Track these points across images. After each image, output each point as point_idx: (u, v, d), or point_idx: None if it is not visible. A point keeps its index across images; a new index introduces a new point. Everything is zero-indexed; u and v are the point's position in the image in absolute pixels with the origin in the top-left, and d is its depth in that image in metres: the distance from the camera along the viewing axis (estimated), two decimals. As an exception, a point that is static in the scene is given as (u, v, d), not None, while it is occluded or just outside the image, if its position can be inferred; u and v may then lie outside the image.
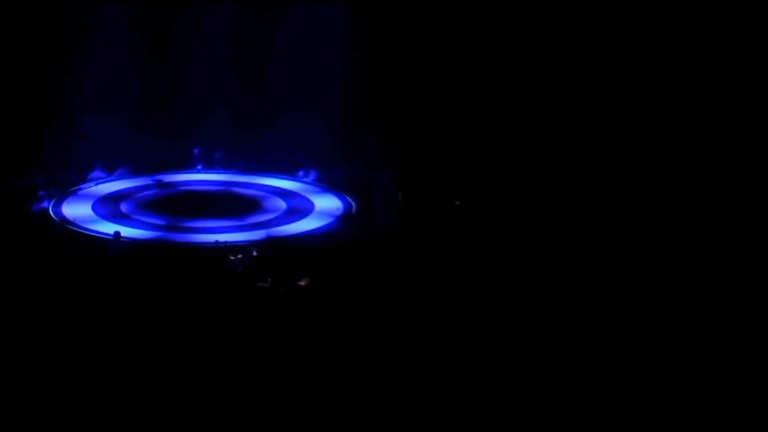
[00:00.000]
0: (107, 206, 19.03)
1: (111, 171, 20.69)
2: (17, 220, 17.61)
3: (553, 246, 17.51)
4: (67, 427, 11.37)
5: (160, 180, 20.97)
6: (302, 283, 14.64)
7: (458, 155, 21.73)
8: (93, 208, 18.85)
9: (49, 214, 18.40)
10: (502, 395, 12.16)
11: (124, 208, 19.07)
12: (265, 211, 19.29)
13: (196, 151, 21.63)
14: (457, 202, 19.18)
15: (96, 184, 19.98)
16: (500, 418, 11.77)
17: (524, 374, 12.74)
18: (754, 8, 20.54)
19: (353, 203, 19.73)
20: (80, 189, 19.89)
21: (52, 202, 18.86)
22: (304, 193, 20.45)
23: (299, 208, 19.43)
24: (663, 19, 21.05)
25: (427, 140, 21.30)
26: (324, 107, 21.98)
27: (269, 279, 14.84)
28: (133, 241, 17.01)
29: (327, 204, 19.67)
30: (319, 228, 18.30)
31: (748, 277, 15.85)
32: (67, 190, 19.74)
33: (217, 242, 16.28)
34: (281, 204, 19.62)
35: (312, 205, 19.60)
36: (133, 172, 20.73)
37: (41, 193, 18.76)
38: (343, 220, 19.04)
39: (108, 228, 17.29)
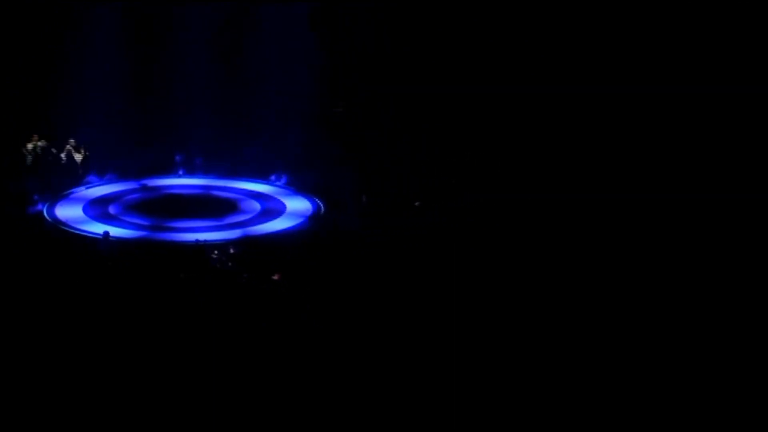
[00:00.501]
0: (97, 208, 19.35)
1: (102, 176, 20.71)
2: (15, 222, 17.83)
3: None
4: (66, 423, 11.22)
5: (145, 184, 20.73)
6: (275, 277, 14.67)
7: (438, 157, 21.11)
8: (84, 210, 19.19)
9: (44, 216, 18.73)
10: (500, 395, 11.95)
11: (112, 210, 19.39)
12: (241, 212, 19.67)
13: (177, 158, 21.64)
14: (417, 203, 19.13)
15: (87, 188, 20.16)
16: (499, 417, 11.57)
17: (522, 374, 12.47)
18: (751, 8, 19.88)
19: (321, 205, 20.08)
20: (72, 193, 19.87)
21: (46, 205, 19.13)
22: (276, 196, 20.80)
23: (272, 209, 19.79)
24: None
25: (388, 147, 21.26)
26: (294, 118, 22.18)
27: (245, 274, 14.82)
28: (120, 240, 17.30)
29: (297, 205, 20.02)
30: (290, 227, 18.70)
31: (746, 276, 15.38)
32: (59, 194, 19.67)
33: (197, 241, 16.56)
34: (256, 206, 20.02)
35: (284, 206, 19.99)
36: (121, 178, 20.77)
37: (36, 197, 18.76)
38: (312, 220, 19.28)
39: (98, 228, 17.69)
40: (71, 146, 20.59)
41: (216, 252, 15.74)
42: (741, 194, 18.03)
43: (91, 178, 20.67)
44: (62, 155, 20.46)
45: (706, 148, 19.33)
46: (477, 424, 11.44)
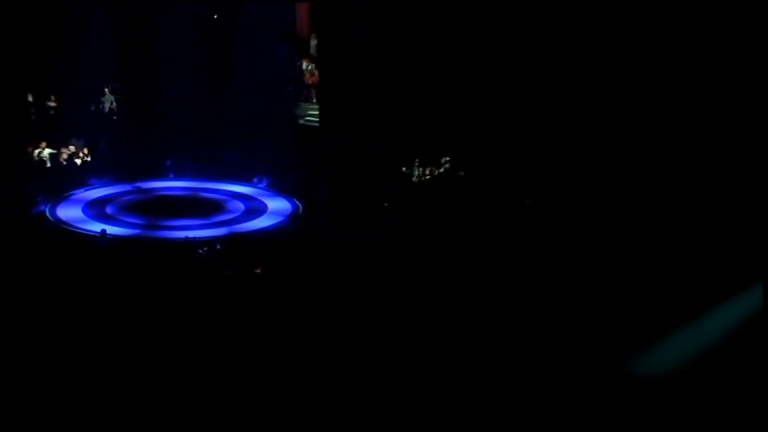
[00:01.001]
0: (95, 209, 19.84)
1: (100, 179, 21.13)
2: (20, 221, 18.28)
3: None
4: (64, 420, 11.07)
5: (139, 187, 21.14)
6: (257, 270, 14.89)
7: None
8: (83, 211, 19.67)
9: (47, 216, 19.23)
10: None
11: (109, 210, 19.85)
12: (227, 211, 20.14)
13: (168, 162, 22.04)
14: (386, 204, 19.45)
15: (86, 190, 20.62)
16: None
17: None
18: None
19: (300, 205, 20.53)
20: (72, 194, 20.32)
21: (48, 206, 19.58)
22: (258, 197, 21.27)
23: (255, 209, 20.31)
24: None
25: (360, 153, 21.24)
26: (275, 126, 22.75)
27: (232, 268, 15.01)
28: (117, 238, 17.80)
29: (278, 205, 20.51)
30: (272, 225, 19.23)
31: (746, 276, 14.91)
32: (60, 195, 20.10)
33: (186, 238, 17.09)
34: (240, 206, 20.52)
35: (266, 206, 20.50)
36: (116, 181, 21.19)
37: (39, 198, 19.23)
38: (292, 218, 19.70)
39: (96, 227, 18.20)
40: (72, 150, 21.09)
41: (204, 248, 16.12)
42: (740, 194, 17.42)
43: (93, 180, 21.00)
44: (63, 159, 20.92)
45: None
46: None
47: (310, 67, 23.45)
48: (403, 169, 20.33)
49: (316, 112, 23.38)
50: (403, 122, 21.45)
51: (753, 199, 16.95)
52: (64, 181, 20.77)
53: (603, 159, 19.61)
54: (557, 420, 11.35)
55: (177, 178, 22.41)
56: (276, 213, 19.90)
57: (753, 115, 18.13)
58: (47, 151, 20.85)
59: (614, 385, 12.05)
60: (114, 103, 22.80)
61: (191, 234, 17.56)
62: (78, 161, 21.29)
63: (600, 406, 11.54)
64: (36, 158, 20.74)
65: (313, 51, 23.48)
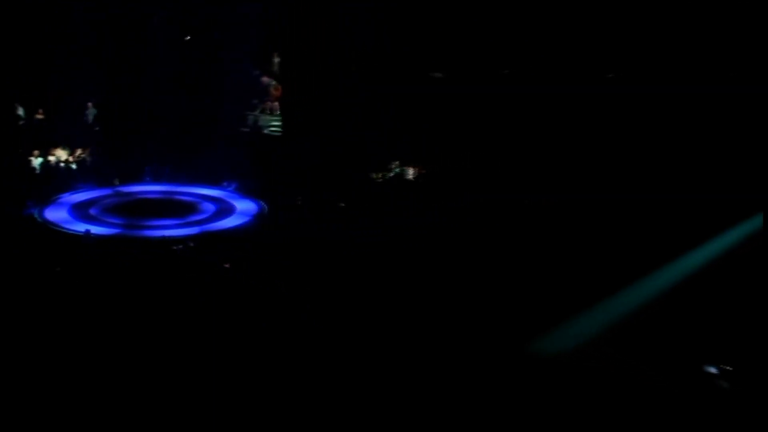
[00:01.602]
0: (79, 210, 20.32)
1: (85, 184, 21.57)
2: (11, 222, 18.73)
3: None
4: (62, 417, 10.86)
5: (119, 190, 21.55)
6: (226, 265, 15.61)
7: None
8: (69, 212, 20.14)
9: (36, 217, 19.65)
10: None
11: (92, 211, 20.34)
12: (200, 212, 20.66)
13: (146, 168, 22.53)
14: (341, 204, 19.68)
15: (71, 194, 21.03)
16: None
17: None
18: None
19: (265, 206, 21.00)
20: (59, 198, 20.78)
21: (37, 209, 19.98)
22: (227, 199, 21.73)
23: (225, 210, 20.81)
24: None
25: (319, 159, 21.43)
26: (241, 135, 23.68)
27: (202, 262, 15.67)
28: (100, 236, 18.32)
29: (245, 206, 21.00)
30: (240, 224, 19.77)
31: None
32: (48, 199, 20.55)
33: (163, 236, 17.88)
34: (211, 207, 21.00)
35: (234, 207, 21.01)
36: (99, 185, 21.61)
37: (29, 202, 19.71)
38: (258, 218, 20.06)
39: (81, 227, 18.78)
40: (59, 158, 21.77)
41: (179, 245, 17.10)
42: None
43: (78, 185, 21.43)
44: (52, 165, 21.66)
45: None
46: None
47: (273, 83, 24.51)
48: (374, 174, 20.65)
49: (278, 123, 24.21)
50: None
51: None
52: (51, 185, 21.15)
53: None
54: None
55: (154, 182, 22.55)
56: (244, 213, 20.25)
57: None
58: (37, 159, 21.55)
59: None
60: (94, 116, 23.30)
61: (167, 233, 18.15)
62: (65, 167, 21.87)
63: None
64: (27, 165, 21.27)
65: (276, 68, 24.41)
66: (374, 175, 21.02)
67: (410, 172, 21.17)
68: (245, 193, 22.07)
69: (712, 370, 12.39)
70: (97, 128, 23.41)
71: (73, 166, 22.21)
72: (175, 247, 16.94)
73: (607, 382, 12.05)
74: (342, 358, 12.42)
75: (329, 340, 12.95)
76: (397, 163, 21.29)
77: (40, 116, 23.07)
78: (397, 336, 13.15)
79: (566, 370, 12.27)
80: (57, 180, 21.88)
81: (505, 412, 11.31)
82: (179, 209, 20.79)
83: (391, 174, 21.25)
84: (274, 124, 24.15)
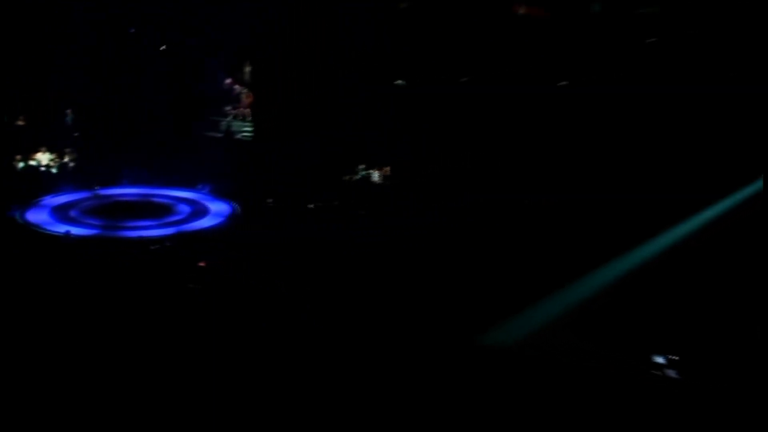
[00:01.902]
0: (60, 212, 20.66)
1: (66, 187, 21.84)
2: None
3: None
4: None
5: (98, 193, 21.72)
6: (201, 263, 16.01)
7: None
8: (49, 214, 20.47)
9: (18, 219, 19.89)
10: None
11: (72, 213, 20.67)
12: (176, 213, 21.04)
13: (124, 171, 22.73)
14: (310, 206, 20.07)
15: (54, 197, 21.30)
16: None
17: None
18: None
19: (237, 207, 21.35)
20: (40, 200, 21.21)
21: (19, 211, 20.25)
22: (202, 201, 22.07)
23: (199, 211, 21.18)
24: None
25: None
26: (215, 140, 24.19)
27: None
28: (79, 237, 18.65)
29: (219, 208, 21.31)
30: (214, 224, 20.12)
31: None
32: (30, 201, 20.97)
33: (140, 236, 18.26)
34: (186, 208, 21.37)
35: (209, 209, 21.34)
36: (78, 188, 21.88)
37: (12, 204, 19.99)
38: (231, 219, 20.45)
39: (61, 228, 19.13)
40: (40, 162, 22.16)
41: (156, 245, 17.55)
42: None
43: (59, 188, 21.66)
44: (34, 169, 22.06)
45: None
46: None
47: (245, 91, 24.90)
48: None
49: (250, 129, 24.61)
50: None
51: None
52: (33, 188, 21.49)
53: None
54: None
55: (132, 185, 22.75)
56: (217, 214, 20.66)
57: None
58: (20, 162, 21.98)
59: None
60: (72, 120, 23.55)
61: (144, 233, 18.47)
62: (46, 171, 22.27)
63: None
64: (10, 169, 21.72)
65: (247, 77, 24.70)
66: (345, 177, 21.31)
67: (376, 175, 21.60)
68: (218, 195, 22.15)
69: (660, 359, 12.80)
70: (76, 133, 23.48)
71: (54, 170, 22.41)
72: (152, 247, 17.28)
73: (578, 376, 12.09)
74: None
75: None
76: (363, 166, 21.71)
77: (20, 122, 23.22)
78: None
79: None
80: (39, 183, 21.90)
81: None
82: (156, 211, 21.00)
83: (357, 176, 21.77)
84: (245, 130, 24.47)
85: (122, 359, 11.92)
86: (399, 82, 20.79)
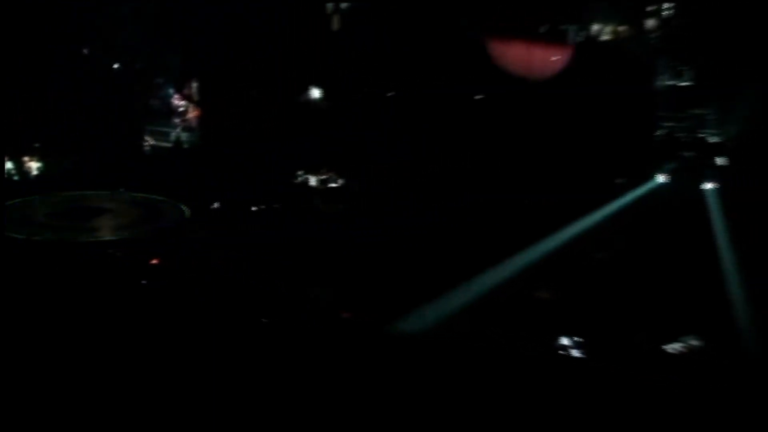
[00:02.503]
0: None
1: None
2: None
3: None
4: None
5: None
6: (154, 261, 16.72)
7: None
8: None
9: None
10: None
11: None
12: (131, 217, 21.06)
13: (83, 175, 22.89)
14: (254, 208, 20.89)
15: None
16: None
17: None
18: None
19: (188, 210, 21.56)
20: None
21: None
22: (153, 204, 22.04)
23: (151, 214, 21.33)
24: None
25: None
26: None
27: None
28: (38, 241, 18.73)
29: (170, 210, 21.46)
30: (164, 226, 20.38)
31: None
32: None
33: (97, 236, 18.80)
34: (140, 211, 21.44)
35: (161, 211, 21.53)
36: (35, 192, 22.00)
37: None
38: (180, 221, 20.67)
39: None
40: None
41: (111, 249, 17.91)
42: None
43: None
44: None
45: None
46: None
47: (191, 105, 25.94)
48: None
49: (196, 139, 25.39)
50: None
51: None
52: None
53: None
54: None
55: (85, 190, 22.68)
56: (169, 217, 21.00)
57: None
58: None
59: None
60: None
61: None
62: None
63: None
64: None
65: (195, 93, 25.70)
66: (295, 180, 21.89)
67: (313, 179, 22.44)
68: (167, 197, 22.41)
69: (566, 341, 13.89)
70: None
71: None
72: (109, 251, 17.73)
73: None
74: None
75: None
76: (302, 171, 22.40)
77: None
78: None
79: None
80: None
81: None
82: (110, 214, 21.15)
83: (298, 180, 22.59)
84: (192, 139, 25.31)
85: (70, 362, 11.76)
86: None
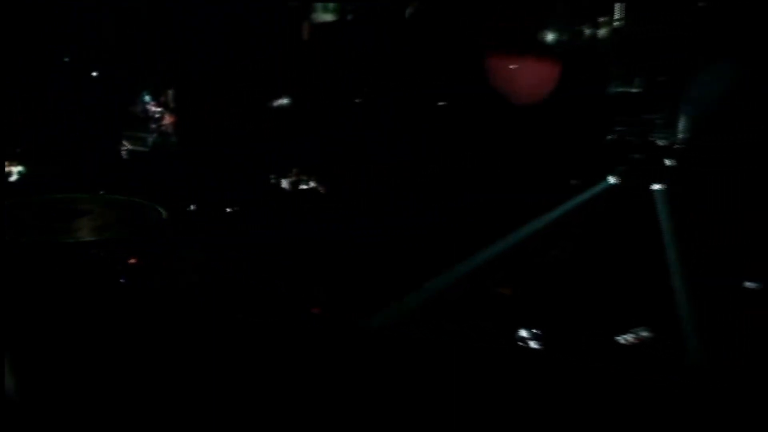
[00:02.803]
0: None
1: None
2: None
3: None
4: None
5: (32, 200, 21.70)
6: (131, 261, 17.09)
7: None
8: None
9: None
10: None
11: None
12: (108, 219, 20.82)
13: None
14: (228, 210, 21.52)
15: None
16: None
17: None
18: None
19: (164, 211, 21.43)
20: None
21: None
22: (132, 206, 22.00)
23: (128, 216, 21.38)
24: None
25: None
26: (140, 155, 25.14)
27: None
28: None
29: (150, 212, 21.44)
30: (143, 228, 20.45)
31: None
32: None
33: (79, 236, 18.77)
34: (117, 214, 21.38)
35: (140, 213, 21.47)
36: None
37: None
38: (159, 223, 20.65)
39: None
40: None
41: (94, 250, 17.99)
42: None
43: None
44: None
45: None
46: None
47: (166, 112, 26.26)
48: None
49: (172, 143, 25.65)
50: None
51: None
52: None
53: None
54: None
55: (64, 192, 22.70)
56: (147, 220, 20.97)
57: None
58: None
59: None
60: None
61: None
62: None
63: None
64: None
65: (171, 99, 26.08)
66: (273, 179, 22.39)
67: (284, 182, 22.97)
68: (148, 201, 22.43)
69: (524, 333, 14.08)
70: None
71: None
72: (92, 252, 17.90)
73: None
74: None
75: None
76: (295, 170, 22.79)
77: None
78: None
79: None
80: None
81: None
82: (90, 216, 21.00)
83: (271, 182, 23.00)
84: (168, 144, 25.70)
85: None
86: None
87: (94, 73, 25.68)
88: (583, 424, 10.53)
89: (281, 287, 15.48)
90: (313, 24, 22.92)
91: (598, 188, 21.02)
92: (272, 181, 22.76)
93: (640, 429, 10.24)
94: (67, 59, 24.94)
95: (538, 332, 14.13)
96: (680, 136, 22.13)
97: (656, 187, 21.00)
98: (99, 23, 24.30)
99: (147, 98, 26.54)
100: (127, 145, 26.14)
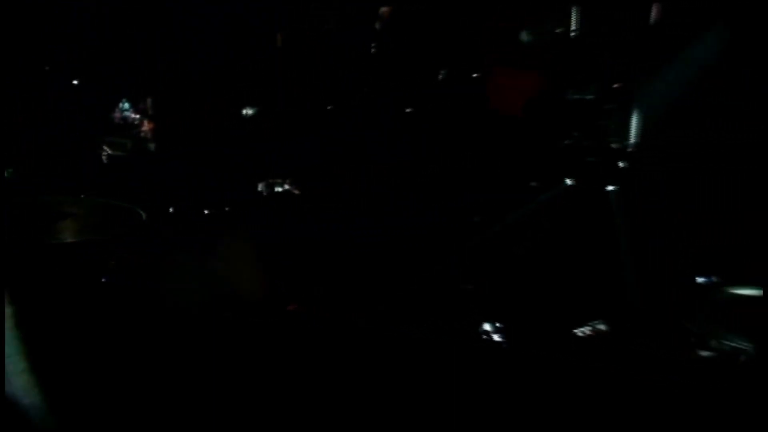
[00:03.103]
0: None
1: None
2: None
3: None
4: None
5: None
6: (112, 262, 19.75)
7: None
8: None
9: None
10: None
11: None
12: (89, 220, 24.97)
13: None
14: (206, 212, 24.29)
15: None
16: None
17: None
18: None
19: (143, 213, 25.98)
20: None
21: None
22: (112, 209, 26.17)
23: (110, 218, 25.46)
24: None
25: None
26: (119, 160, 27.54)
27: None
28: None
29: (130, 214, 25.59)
30: (124, 230, 24.23)
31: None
32: None
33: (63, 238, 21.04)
34: (100, 216, 25.59)
35: (120, 215, 25.52)
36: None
37: None
38: (137, 225, 24.75)
39: None
40: None
41: (79, 251, 19.89)
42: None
43: None
44: None
45: None
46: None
47: (145, 119, 27.97)
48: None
49: (151, 148, 27.55)
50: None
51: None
52: None
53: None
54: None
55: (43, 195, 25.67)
56: (128, 221, 23.74)
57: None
58: None
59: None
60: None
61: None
62: None
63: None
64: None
65: (150, 108, 27.63)
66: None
67: (260, 185, 24.54)
68: (128, 203, 25.48)
69: (488, 326, 15.89)
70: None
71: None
72: (76, 251, 19.39)
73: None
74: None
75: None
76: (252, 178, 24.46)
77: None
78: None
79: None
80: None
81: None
82: (73, 219, 23.67)
83: (249, 185, 24.62)
84: (147, 150, 27.33)
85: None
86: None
87: (75, 82, 28.97)
88: (558, 420, 12.65)
89: (271, 287, 16.63)
90: (304, 26, 25.40)
91: (555, 190, 24.58)
92: (257, 182, 23.94)
93: (619, 424, 12.12)
94: (47, 68, 27.65)
95: (501, 326, 16.12)
96: (632, 139, 26.24)
97: (609, 186, 25.08)
98: (79, 29, 26.32)
99: (126, 105, 30.32)
100: (107, 150, 29.43)
